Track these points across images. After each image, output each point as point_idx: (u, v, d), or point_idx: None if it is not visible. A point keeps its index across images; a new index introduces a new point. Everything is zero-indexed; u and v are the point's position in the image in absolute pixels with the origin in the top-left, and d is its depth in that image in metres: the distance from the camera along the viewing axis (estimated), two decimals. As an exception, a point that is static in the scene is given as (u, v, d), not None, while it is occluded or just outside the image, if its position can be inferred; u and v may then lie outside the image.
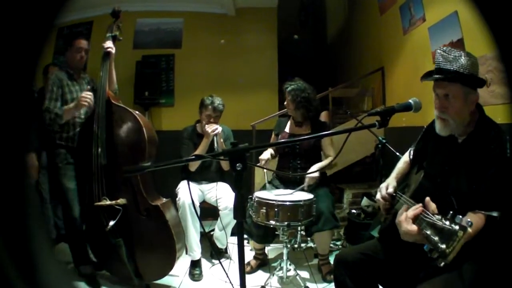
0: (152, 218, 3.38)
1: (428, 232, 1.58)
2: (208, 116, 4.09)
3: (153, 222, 3.39)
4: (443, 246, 1.48)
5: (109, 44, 3.59)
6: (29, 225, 1.17)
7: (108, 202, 3.28)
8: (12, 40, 1.03)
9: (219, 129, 4.03)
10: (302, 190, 3.67)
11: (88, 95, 3.38)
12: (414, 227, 1.71)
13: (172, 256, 3.39)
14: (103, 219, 3.30)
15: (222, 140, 4.12)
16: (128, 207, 3.36)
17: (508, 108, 2.53)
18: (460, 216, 1.50)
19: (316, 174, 3.73)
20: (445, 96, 1.98)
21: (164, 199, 3.56)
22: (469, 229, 1.44)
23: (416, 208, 1.75)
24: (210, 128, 3.98)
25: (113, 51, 3.60)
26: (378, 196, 2.35)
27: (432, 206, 1.69)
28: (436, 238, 1.52)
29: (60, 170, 3.58)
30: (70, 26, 6.40)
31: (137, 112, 3.54)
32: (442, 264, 1.50)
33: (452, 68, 1.94)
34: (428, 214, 1.65)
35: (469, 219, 1.49)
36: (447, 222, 1.51)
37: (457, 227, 1.46)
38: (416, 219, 1.72)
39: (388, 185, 2.31)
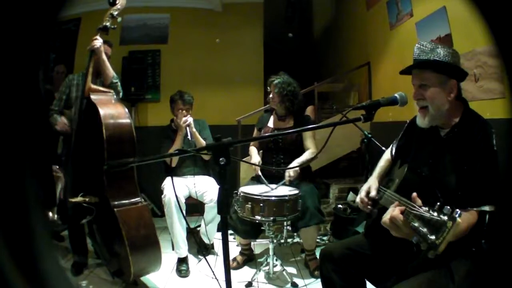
0: (111, 222, 3.17)
1: (416, 224, 1.56)
2: (180, 110, 4.25)
3: (111, 226, 3.18)
4: (433, 237, 1.46)
5: (94, 42, 3.51)
6: (30, 224, 1.15)
7: (76, 199, 3.24)
8: (16, 34, 1.02)
9: (190, 119, 4.19)
10: (284, 185, 3.65)
11: (61, 122, 3.70)
12: (399, 214, 1.70)
13: (128, 269, 3.16)
14: (76, 213, 3.37)
15: (195, 130, 4.23)
16: (98, 205, 3.27)
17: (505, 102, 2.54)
18: (448, 207, 1.49)
19: (297, 169, 3.71)
20: (421, 86, 2.01)
21: (137, 203, 3.34)
22: (458, 219, 1.42)
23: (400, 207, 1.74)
24: (181, 120, 4.15)
25: (97, 45, 3.51)
26: (357, 199, 2.34)
27: (418, 202, 1.68)
28: (425, 230, 1.51)
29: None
30: (58, 22, 6.34)
31: (116, 107, 3.44)
32: (433, 255, 1.49)
33: (426, 59, 1.99)
34: (414, 207, 1.64)
35: (458, 210, 1.48)
36: (435, 214, 1.50)
37: (445, 218, 1.45)
38: (402, 213, 1.71)
39: (370, 188, 2.28)
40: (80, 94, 3.56)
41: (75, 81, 3.82)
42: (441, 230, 1.45)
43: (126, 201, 3.28)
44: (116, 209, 3.16)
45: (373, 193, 2.24)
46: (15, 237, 1.08)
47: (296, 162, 3.74)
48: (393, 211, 1.72)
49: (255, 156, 4.04)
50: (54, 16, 1.13)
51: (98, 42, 3.53)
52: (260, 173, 3.82)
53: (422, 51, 2.01)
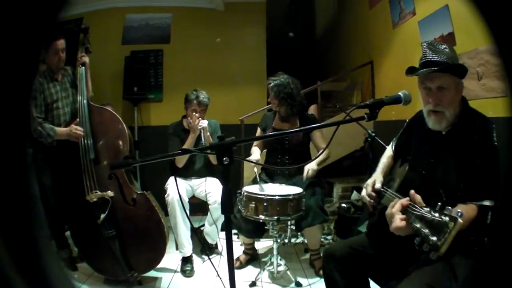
0: (140, 206, 3.49)
1: (418, 225, 1.56)
2: (194, 111, 4.07)
3: (141, 210, 3.49)
4: (434, 238, 1.46)
5: (84, 57, 3.86)
6: (30, 225, 1.15)
7: (99, 193, 3.40)
8: (16, 34, 1.01)
9: (205, 123, 4.03)
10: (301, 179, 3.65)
11: (79, 131, 3.52)
12: (403, 222, 1.69)
13: (163, 240, 3.48)
14: (95, 212, 3.40)
15: (208, 134, 4.09)
16: (115, 199, 3.46)
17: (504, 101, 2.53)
18: (450, 208, 1.48)
19: (315, 166, 3.66)
20: (439, 88, 1.97)
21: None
22: (460, 220, 1.42)
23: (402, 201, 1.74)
24: (196, 122, 3.98)
25: (87, 61, 3.85)
26: (363, 193, 2.31)
27: (417, 198, 1.68)
28: (426, 231, 1.51)
29: (40, 168, 3.73)
30: (60, 22, 6.33)
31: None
32: (435, 257, 1.48)
33: (442, 60, 1.94)
34: (415, 207, 1.63)
35: (459, 210, 1.48)
36: (436, 214, 1.50)
37: (447, 219, 1.44)
38: (404, 212, 1.71)
39: (375, 181, 2.26)
40: (83, 98, 3.65)
41: (45, 85, 3.76)
42: (442, 231, 1.44)
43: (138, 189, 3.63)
44: (146, 192, 3.55)
45: (378, 185, 2.22)
46: (15, 235, 1.08)
47: (315, 162, 3.69)
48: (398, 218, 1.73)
49: (255, 153, 3.94)
50: (54, 16, 1.12)
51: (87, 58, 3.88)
52: (257, 174, 3.72)
53: (434, 52, 1.98)
